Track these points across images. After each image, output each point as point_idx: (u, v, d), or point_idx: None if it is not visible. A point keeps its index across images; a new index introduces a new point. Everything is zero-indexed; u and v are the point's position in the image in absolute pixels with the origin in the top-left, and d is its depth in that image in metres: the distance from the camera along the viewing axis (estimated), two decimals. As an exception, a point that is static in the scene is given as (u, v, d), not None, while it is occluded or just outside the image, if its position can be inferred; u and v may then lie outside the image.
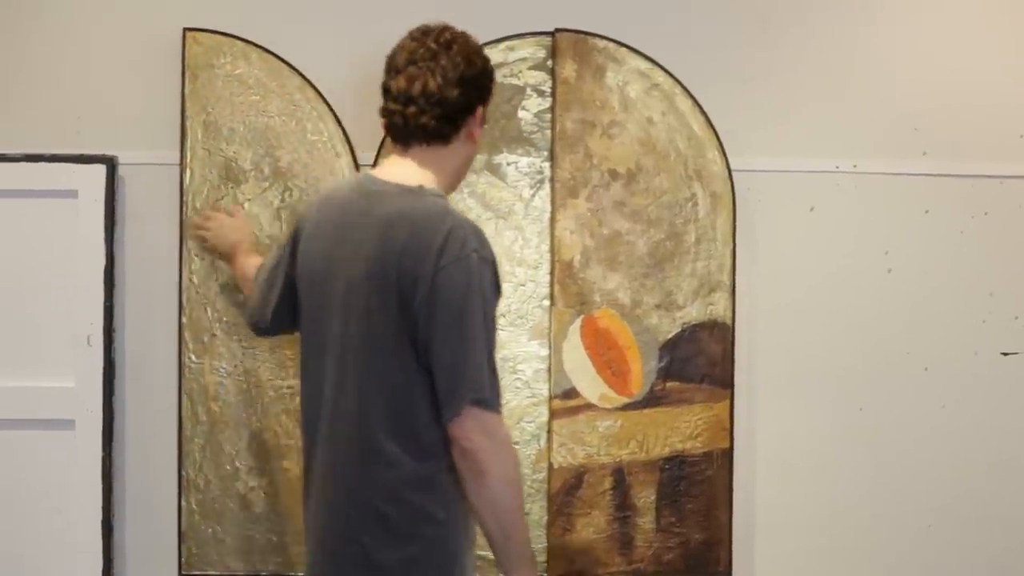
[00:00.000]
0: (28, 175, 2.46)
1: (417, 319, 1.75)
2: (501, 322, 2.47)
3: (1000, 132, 2.60)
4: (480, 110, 1.93)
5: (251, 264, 2.24)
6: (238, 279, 2.34)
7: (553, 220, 2.48)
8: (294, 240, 1.97)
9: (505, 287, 2.45)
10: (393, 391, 1.78)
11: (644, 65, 2.49)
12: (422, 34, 1.90)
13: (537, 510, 2.48)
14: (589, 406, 2.46)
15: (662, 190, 2.48)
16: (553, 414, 2.46)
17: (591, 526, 2.47)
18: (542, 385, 2.48)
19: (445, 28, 1.91)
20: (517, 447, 2.46)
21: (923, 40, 2.60)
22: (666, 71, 2.49)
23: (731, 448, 2.50)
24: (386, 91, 1.90)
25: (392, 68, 1.90)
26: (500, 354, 2.45)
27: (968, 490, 2.60)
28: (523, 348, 2.49)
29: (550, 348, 2.47)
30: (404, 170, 1.88)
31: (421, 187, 1.84)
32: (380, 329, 1.78)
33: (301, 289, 1.94)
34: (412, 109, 1.85)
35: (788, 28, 2.58)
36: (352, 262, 1.81)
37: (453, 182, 1.97)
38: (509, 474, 1.76)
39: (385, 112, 1.91)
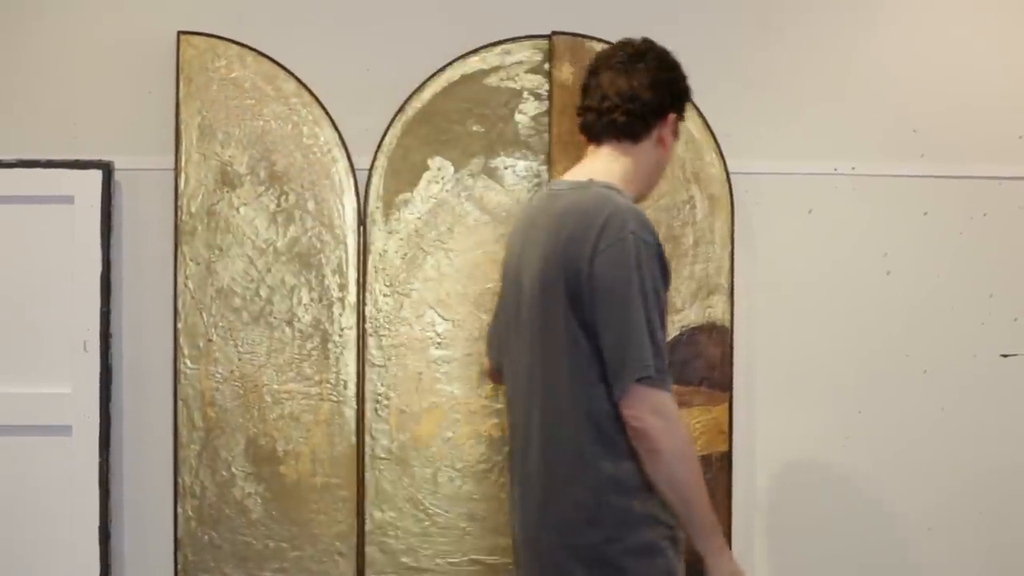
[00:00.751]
0: (24, 181, 2.46)
1: (583, 304, 1.79)
2: (499, 326, 2.47)
3: (999, 133, 2.59)
4: (672, 117, 1.99)
5: None
6: None
7: None
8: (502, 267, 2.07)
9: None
10: (582, 380, 1.80)
11: None
12: (623, 43, 2.01)
13: (535, 514, 2.47)
14: None
15: (660, 193, 2.47)
16: None
17: None
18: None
19: (646, 40, 2.01)
20: (515, 451, 2.46)
21: (921, 42, 2.59)
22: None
23: (730, 451, 2.49)
24: (584, 92, 2.00)
25: (591, 71, 2.00)
26: (497, 358, 2.46)
27: (968, 493, 2.59)
28: (521, 352, 2.48)
29: None
30: (585, 168, 1.96)
31: (591, 180, 1.90)
32: (559, 324, 1.82)
33: (502, 296, 2.02)
34: (606, 105, 1.94)
35: (786, 31, 2.57)
36: (532, 261, 1.88)
37: (644, 186, 2.01)
38: (682, 449, 1.77)
39: (580, 110, 2.00)
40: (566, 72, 2.46)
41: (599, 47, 2.46)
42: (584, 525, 1.80)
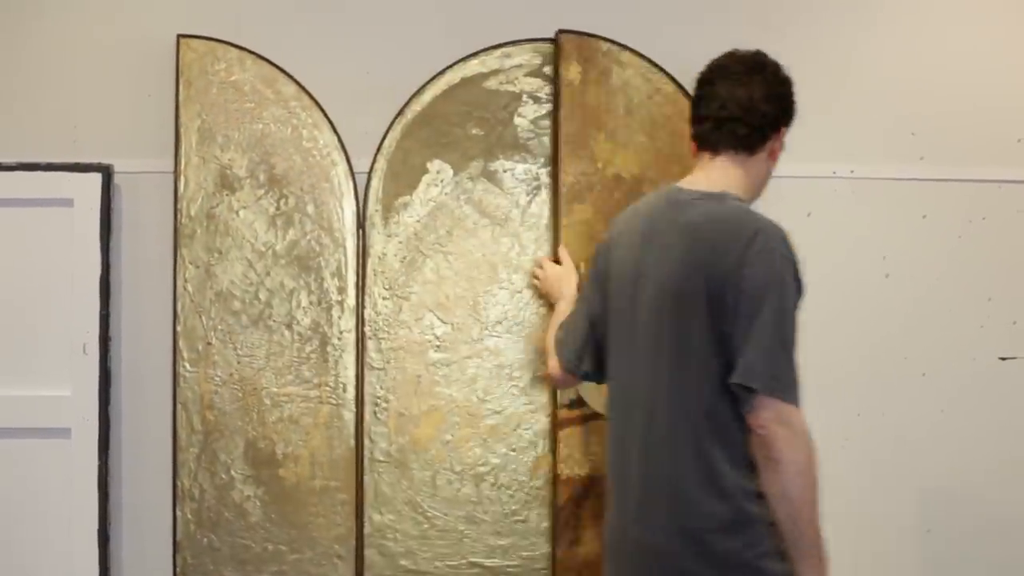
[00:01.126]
0: (24, 184, 2.46)
1: (724, 315, 1.80)
2: (498, 329, 2.48)
3: (997, 136, 2.60)
4: (782, 131, 2.01)
5: (562, 312, 2.28)
6: (547, 337, 2.30)
7: (557, 225, 2.45)
8: (597, 271, 2.07)
9: (501, 294, 2.47)
10: (713, 389, 1.82)
11: (644, 67, 2.48)
12: (736, 54, 2.00)
13: (535, 517, 2.47)
14: (595, 415, 2.42)
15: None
16: (560, 424, 2.43)
17: (597, 539, 2.38)
18: (539, 392, 2.47)
19: (759, 52, 2.01)
20: (513, 454, 2.46)
21: (920, 45, 2.60)
22: (668, 75, 2.49)
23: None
24: (698, 101, 2.00)
25: (703, 80, 2.00)
26: (496, 361, 2.47)
27: (967, 495, 2.59)
28: (520, 355, 2.48)
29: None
30: (710, 176, 1.96)
31: (724, 192, 1.92)
32: (692, 330, 1.83)
33: (609, 300, 2.01)
34: (725, 115, 1.95)
35: (785, 32, 2.57)
36: (661, 267, 1.89)
37: (752, 197, 2.02)
38: (803, 464, 1.78)
39: (696, 119, 2.00)
40: (573, 72, 2.45)
41: (606, 46, 2.46)
42: (721, 533, 1.82)
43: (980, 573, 2.60)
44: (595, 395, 2.40)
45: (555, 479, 2.43)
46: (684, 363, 1.84)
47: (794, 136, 2.54)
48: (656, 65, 2.49)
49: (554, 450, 2.44)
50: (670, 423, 1.86)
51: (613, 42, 2.48)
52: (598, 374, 2.10)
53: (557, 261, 2.42)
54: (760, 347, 1.78)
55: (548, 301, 2.43)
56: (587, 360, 2.10)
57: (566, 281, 2.36)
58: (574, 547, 2.43)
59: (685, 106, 2.48)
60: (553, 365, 2.21)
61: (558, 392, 2.42)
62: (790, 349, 1.81)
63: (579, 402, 2.42)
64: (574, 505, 2.43)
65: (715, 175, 1.96)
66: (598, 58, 2.46)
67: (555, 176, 2.46)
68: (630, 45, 2.48)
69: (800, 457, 1.77)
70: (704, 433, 1.83)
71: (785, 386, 1.78)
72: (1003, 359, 2.59)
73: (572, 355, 2.13)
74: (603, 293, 2.04)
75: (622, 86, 2.47)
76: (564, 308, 2.28)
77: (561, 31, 2.46)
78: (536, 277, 2.46)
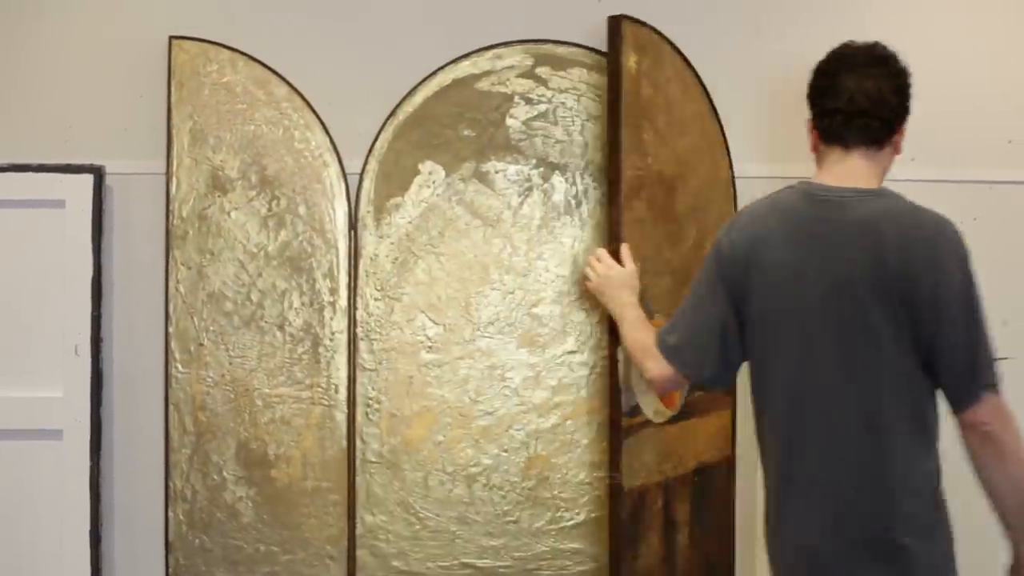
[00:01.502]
0: (15, 185, 2.46)
1: (922, 315, 1.82)
2: (490, 330, 2.48)
3: (989, 137, 2.60)
4: (904, 124, 1.98)
5: (642, 323, 2.18)
6: (628, 344, 2.18)
7: (617, 221, 2.29)
8: (730, 273, 1.97)
9: (493, 295, 2.47)
10: (902, 387, 1.85)
11: (680, 63, 2.46)
12: (855, 45, 1.97)
13: (527, 518, 2.47)
14: (646, 423, 2.35)
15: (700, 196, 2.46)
16: (625, 432, 2.29)
17: (652, 552, 2.36)
18: (530, 392, 2.47)
19: (878, 42, 1.98)
20: (505, 455, 2.47)
21: (910, 46, 2.57)
22: (695, 73, 2.49)
23: (733, 457, 2.51)
24: (822, 93, 1.95)
25: (828, 72, 1.95)
26: (488, 362, 2.47)
27: (954, 497, 2.58)
28: (512, 356, 2.48)
29: (620, 362, 2.29)
30: (852, 173, 1.93)
31: (882, 189, 1.92)
32: (879, 329, 1.83)
33: (760, 301, 1.93)
34: (855, 108, 1.90)
35: (780, 31, 2.57)
36: (835, 266, 1.86)
37: None
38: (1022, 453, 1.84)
39: (825, 113, 1.94)
40: (632, 60, 2.31)
41: (656, 36, 2.39)
42: (917, 536, 1.84)
43: (964, 572, 2.60)
44: (648, 403, 2.34)
45: (614, 491, 2.28)
46: (870, 362, 1.84)
47: (783, 138, 2.56)
48: (687, 62, 2.47)
49: (615, 461, 2.28)
50: (860, 424, 1.85)
51: (660, 33, 2.41)
52: (723, 377, 2.07)
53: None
54: (974, 347, 1.83)
55: (601, 301, 2.29)
56: (712, 364, 2.02)
57: (630, 286, 2.24)
58: (634, 563, 2.32)
59: (706, 106, 2.49)
60: (656, 370, 2.08)
61: (620, 400, 2.29)
62: (992, 345, 1.87)
63: (636, 410, 2.33)
64: (631, 519, 2.31)
65: (857, 171, 1.92)
66: (651, 48, 2.37)
67: (614, 169, 2.29)
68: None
69: (1021, 447, 1.84)
70: (898, 433, 1.84)
71: (998, 381, 1.84)
72: (994, 360, 2.58)
73: (692, 359, 2.03)
74: (742, 294, 1.95)
75: (665, 81, 2.41)
76: (635, 314, 2.18)
77: (617, 16, 2.30)
78: (590, 274, 2.30)
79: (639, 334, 2.14)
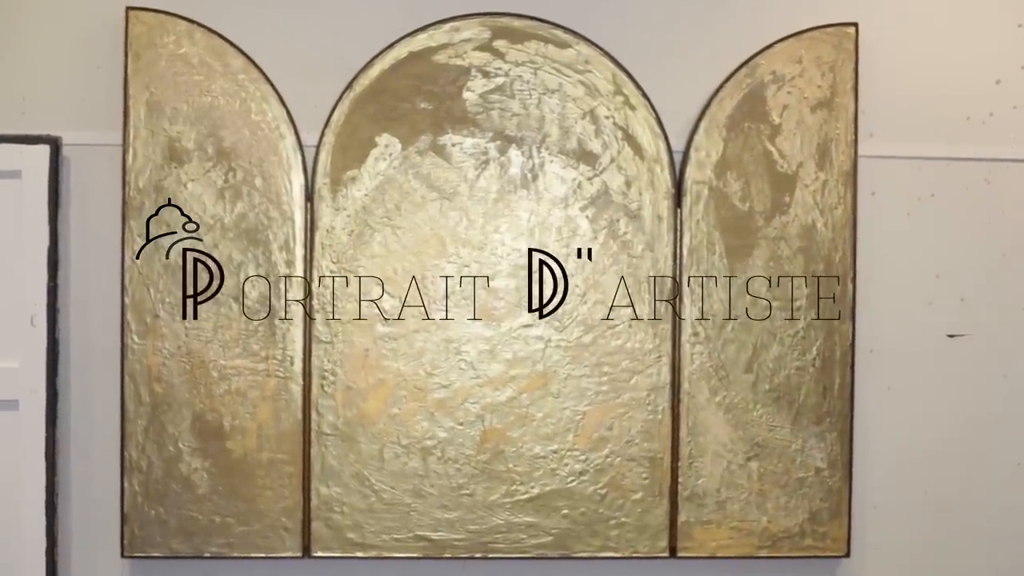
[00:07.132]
0: (-28, 156, 2.46)
1: None
2: (446, 303, 2.48)
3: (946, 114, 2.60)
4: None
5: None
6: None
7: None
8: None
9: (449, 268, 2.48)
10: None
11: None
12: None
13: (482, 491, 2.47)
14: None
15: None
16: None
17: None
18: (485, 365, 2.48)
19: None
20: (460, 428, 2.47)
21: (869, 23, 2.59)
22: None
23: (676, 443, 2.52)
24: None
25: None
26: (444, 335, 2.47)
27: (913, 472, 2.60)
28: (467, 329, 2.48)
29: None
30: None
31: None
32: None
33: None
34: None
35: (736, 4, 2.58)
36: None
37: None
38: None
39: None
40: None
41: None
42: None
43: (924, 548, 2.61)
44: None
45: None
46: None
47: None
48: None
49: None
50: None
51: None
52: None
53: None
54: None
55: None
56: None
57: None
58: None
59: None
60: None
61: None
62: None
63: None
64: None
65: None
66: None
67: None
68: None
69: None
70: None
71: None
72: (951, 336, 2.59)
73: None
74: None
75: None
76: None
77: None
78: None
79: None
